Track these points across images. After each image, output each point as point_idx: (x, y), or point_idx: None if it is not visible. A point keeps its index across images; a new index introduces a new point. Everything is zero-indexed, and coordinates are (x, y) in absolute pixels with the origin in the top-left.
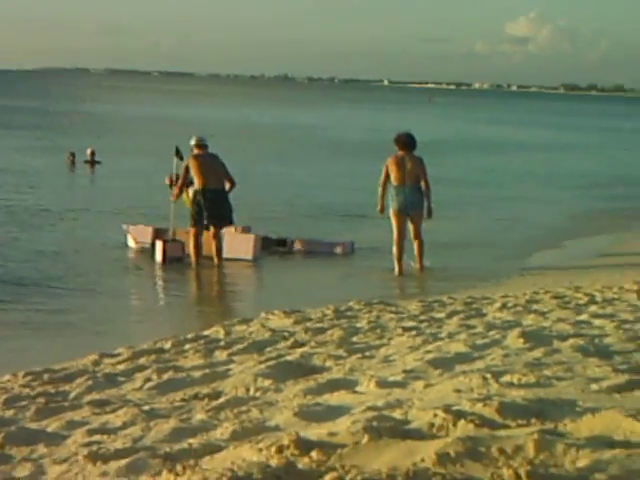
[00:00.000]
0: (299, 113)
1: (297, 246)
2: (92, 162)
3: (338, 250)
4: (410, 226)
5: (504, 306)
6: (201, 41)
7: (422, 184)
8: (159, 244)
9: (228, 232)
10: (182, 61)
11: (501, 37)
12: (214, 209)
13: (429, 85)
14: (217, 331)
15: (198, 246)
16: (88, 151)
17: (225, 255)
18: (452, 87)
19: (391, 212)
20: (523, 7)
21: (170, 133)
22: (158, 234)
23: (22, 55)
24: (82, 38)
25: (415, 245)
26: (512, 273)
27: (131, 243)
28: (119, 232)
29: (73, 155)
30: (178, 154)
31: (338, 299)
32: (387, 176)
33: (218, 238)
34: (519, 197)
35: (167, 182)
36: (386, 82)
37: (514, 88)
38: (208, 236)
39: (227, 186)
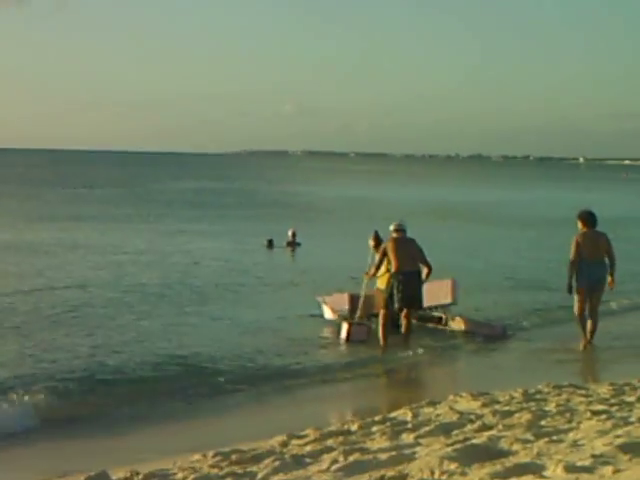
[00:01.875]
0: (493, 192)
1: (453, 325)
2: (293, 243)
3: (493, 331)
4: (589, 301)
5: None
6: (395, 122)
7: (606, 259)
8: (345, 325)
9: (425, 284)
10: (377, 142)
11: None
12: (407, 291)
13: (625, 162)
14: (404, 413)
15: (386, 328)
16: (290, 232)
17: (426, 304)
18: None
19: (576, 287)
20: None
21: (367, 214)
22: (354, 300)
23: (225, 139)
24: (281, 121)
25: (591, 321)
26: None
27: (328, 315)
28: (312, 306)
29: (270, 241)
30: (376, 238)
31: (523, 382)
32: (578, 253)
33: (409, 319)
34: None
35: (371, 243)
36: (581, 159)
37: None
38: None
39: (424, 271)
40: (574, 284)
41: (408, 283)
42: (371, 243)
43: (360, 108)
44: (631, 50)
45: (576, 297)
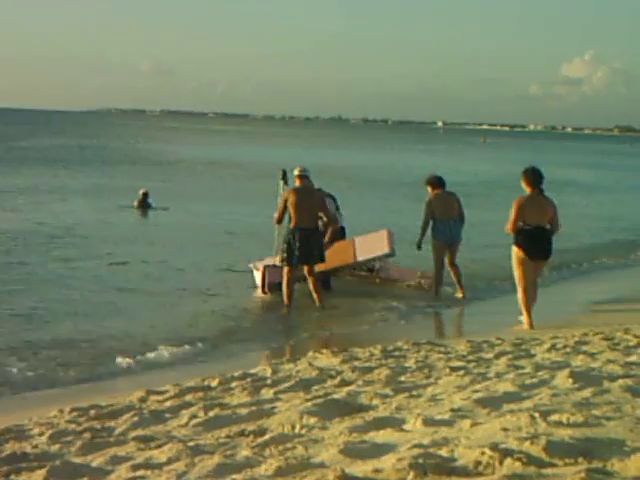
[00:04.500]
0: (353, 154)
1: (385, 273)
2: (143, 204)
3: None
4: (449, 255)
5: (553, 347)
6: (255, 84)
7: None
8: (258, 273)
9: (360, 237)
10: (237, 102)
11: (556, 78)
12: (305, 248)
13: (483, 126)
14: (264, 369)
15: (290, 283)
16: (140, 192)
17: (363, 258)
18: (506, 128)
19: (436, 244)
20: (578, 49)
21: (228, 176)
22: None
23: (78, 96)
24: (138, 79)
25: (454, 272)
26: (563, 314)
27: (258, 280)
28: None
29: (144, 196)
30: (284, 178)
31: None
32: (431, 214)
33: (313, 275)
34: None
35: (281, 183)
36: (440, 123)
37: (569, 130)
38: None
39: (325, 219)
40: (434, 241)
41: (306, 239)
42: (281, 183)
43: (219, 69)
44: (485, 19)
45: (435, 253)
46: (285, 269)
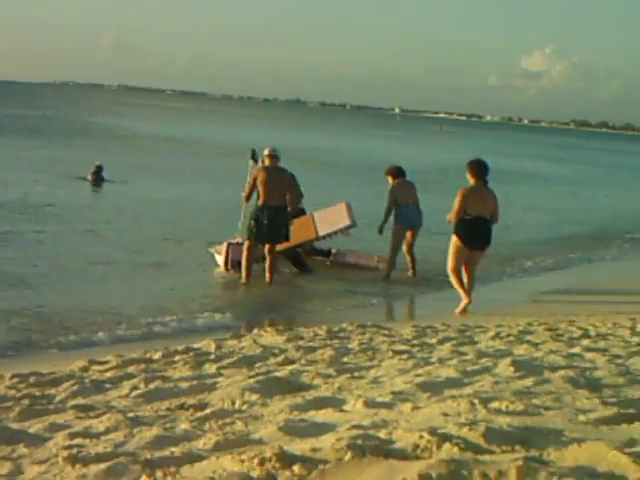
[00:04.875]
0: (311, 136)
1: (342, 258)
2: (97, 178)
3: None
4: (408, 242)
5: (497, 335)
6: (214, 61)
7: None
8: (221, 253)
9: (318, 211)
10: (195, 81)
11: (515, 71)
12: (271, 226)
13: (440, 115)
14: (208, 344)
15: (250, 260)
16: (94, 165)
17: (324, 232)
18: (463, 118)
19: (398, 229)
20: (539, 42)
21: (186, 153)
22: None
23: (34, 67)
24: (96, 53)
25: (410, 258)
26: (508, 303)
27: (220, 260)
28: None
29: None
30: (253, 157)
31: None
32: (394, 199)
33: (273, 255)
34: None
35: (250, 162)
36: (397, 110)
37: (525, 122)
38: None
39: (288, 198)
40: (396, 226)
41: (274, 217)
42: (250, 162)
43: (178, 45)
44: (447, 8)
45: (394, 238)
46: (245, 244)
